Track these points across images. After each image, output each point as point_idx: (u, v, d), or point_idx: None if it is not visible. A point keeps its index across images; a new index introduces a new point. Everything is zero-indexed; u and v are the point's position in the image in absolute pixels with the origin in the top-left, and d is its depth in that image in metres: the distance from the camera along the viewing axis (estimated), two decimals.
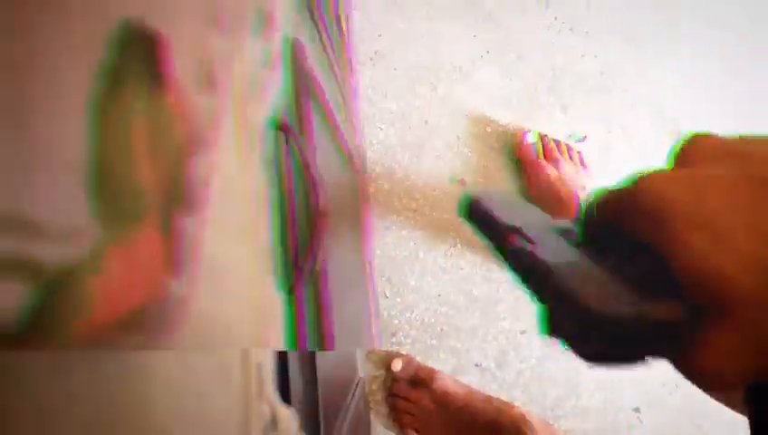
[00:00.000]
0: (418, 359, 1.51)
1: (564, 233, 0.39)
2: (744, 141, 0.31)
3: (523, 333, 1.56)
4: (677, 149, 0.34)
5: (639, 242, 0.33)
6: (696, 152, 0.33)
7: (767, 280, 0.27)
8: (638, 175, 0.33)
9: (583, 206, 0.38)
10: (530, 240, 0.39)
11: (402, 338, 1.53)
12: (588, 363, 0.34)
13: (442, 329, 1.54)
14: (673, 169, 0.32)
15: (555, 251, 0.38)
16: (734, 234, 0.28)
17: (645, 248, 0.32)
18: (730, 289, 0.28)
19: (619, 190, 0.34)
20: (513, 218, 0.42)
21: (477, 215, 0.46)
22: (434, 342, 1.53)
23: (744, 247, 0.27)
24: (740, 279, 0.27)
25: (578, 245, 0.38)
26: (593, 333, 0.33)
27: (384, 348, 1.52)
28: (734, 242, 0.27)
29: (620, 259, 0.35)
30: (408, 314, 1.54)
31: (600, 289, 0.34)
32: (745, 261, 0.27)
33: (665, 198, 0.30)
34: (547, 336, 0.37)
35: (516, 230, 0.40)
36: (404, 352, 1.51)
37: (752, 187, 0.28)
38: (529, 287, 0.38)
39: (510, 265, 0.41)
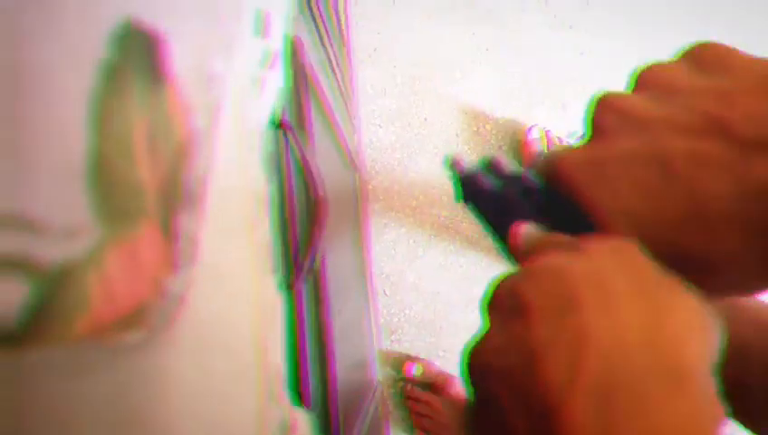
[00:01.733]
0: (436, 363, 1.51)
1: (529, 193, 0.41)
2: (652, 101, 0.33)
3: None
4: (590, 115, 0.36)
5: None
6: (607, 120, 0.34)
7: (682, 258, 0.31)
8: (558, 155, 0.36)
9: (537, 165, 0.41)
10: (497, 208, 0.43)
11: (401, 335, 1.53)
12: None
13: (441, 326, 1.54)
14: (585, 147, 0.35)
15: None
16: (642, 226, 0.31)
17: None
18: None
19: (545, 164, 0.37)
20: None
21: (470, 205, 0.49)
22: (432, 339, 1.53)
23: (653, 238, 0.31)
24: (663, 257, 0.31)
25: (540, 208, 0.40)
26: None
27: (402, 351, 1.53)
28: (646, 234, 0.31)
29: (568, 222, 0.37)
30: (407, 312, 1.54)
31: None
32: (657, 254, 0.31)
33: (577, 188, 0.34)
34: None
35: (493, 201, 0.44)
36: (422, 357, 1.51)
37: (657, 169, 0.31)
38: None
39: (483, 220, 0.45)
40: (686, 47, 0.35)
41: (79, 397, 0.23)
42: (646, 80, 0.35)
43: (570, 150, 0.36)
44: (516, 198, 0.43)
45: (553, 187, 0.37)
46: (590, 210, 0.34)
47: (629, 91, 0.36)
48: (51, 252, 0.15)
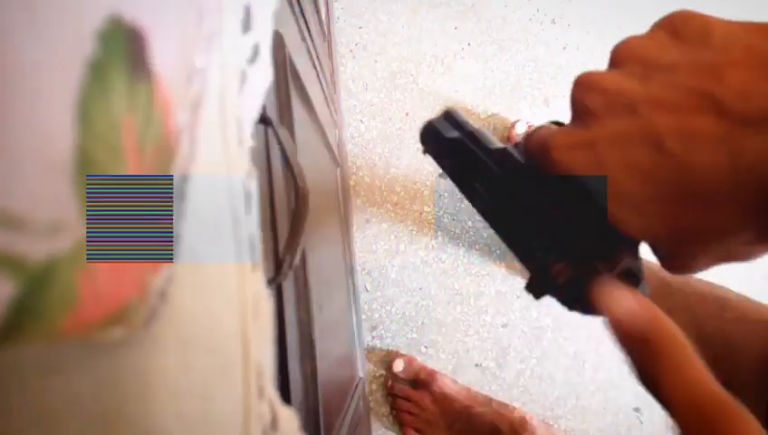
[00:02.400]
0: (418, 358, 1.52)
1: (506, 161, 0.41)
2: (635, 79, 0.33)
3: (504, 326, 1.56)
4: (572, 99, 0.36)
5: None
6: (593, 101, 0.34)
7: (675, 236, 0.32)
8: (550, 136, 0.36)
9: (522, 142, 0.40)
10: (486, 190, 0.42)
11: (383, 331, 1.53)
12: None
13: (423, 322, 1.55)
14: (576, 129, 0.35)
15: (509, 202, 0.40)
16: (641, 205, 0.32)
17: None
18: (656, 241, 0.34)
19: (537, 144, 0.37)
20: (464, 167, 0.44)
21: (430, 154, 0.49)
22: (415, 335, 1.54)
23: (654, 216, 0.32)
24: (659, 236, 0.33)
25: (524, 183, 0.40)
26: (567, 299, 0.37)
27: (384, 347, 1.53)
28: (646, 212, 0.32)
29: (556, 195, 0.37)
30: (388, 308, 1.54)
31: (559, 259, 0.37)
32: (660, 231, 0.32)
33: (572, 170, 0.34)
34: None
35: (477, 181, 0.43)
36: (405, 353, 1.52)
37: (649, 149, 0.31)
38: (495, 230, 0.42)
39: (474, 207, 0.44)
40: (660, 19, 0.35)
41: (62, 394, 0.23)
42: (625, 56, 0.35)
43: (560, 132, 0.36)
44: (475, 154, 0.43)
45: (543, 168, 0.37)
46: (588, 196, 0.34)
47: (610, 69, 0.36)
48: (36, 248, 0.15)
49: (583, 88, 0.35)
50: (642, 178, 0.31)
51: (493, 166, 0.42)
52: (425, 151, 0.50)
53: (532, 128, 1.56)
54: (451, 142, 0.45)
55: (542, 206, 0.38)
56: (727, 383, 0.31)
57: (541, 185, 0.38)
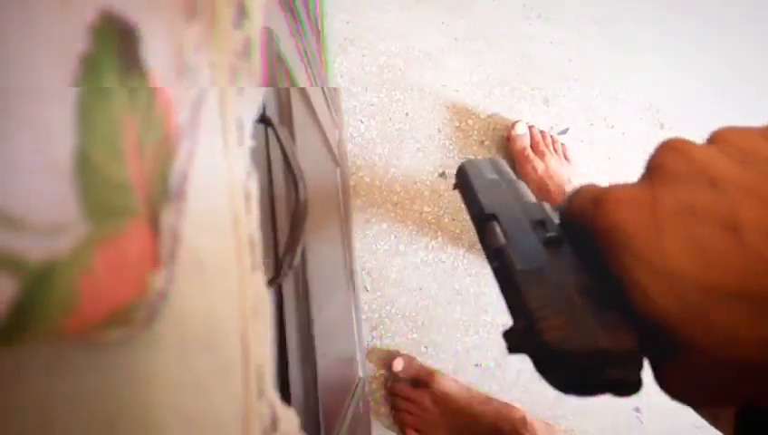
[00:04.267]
0: (418, 358, 1.51)
1: (540, 224, 0.38)
2: (729, 160, 0.29)
3: (504, 326, 1.56)
4: (651, 158, 0.32)
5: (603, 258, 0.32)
6: (672, 163, 0.30)
7: (716, 335, 0.27)
8: (606, 189, 0.32)
9: (564, 199, 0.37)
10: (505, 234, 0.39)
11: (383, 331, 1.53)
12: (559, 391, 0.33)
13: (423, 322, 1.54)
14: (640, 186, 0.31)
15: (525, 253, 0.37)
16: (686, 288, 0.27)
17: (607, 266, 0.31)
18: (682, 335, 0.28)
19: (587, 197, 0.33)
20: (493, 203, 0.42)
21: (462, 189, 0.47)
22: (415, 335, 1.54)
23: (693, 300, 0.27)
24: (692, 330, 0.27)
25: (550, 242, 0.37)
26: (548, 363, 0.33)
27: (384, 347, 1.53)
28: (685, 292, 0.27)
29: (586, 267, 0.34)
30: (388, 308, 1.54)
31: (556, 316, 0.33)
32: (694, 315, 0.27)
33: (621, 227, 0.30)
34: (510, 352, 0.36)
35: (493, 218, 0.40)
36: (405, 352, 1.52)
37: (725, 233, 0.27)
38: (496, 278, 0.38)
39: (484, 250, 0.41)
40: None
41: (63, 394, 0.23)
42: (724, 137, 0.31)
43: (619, 186, 0.32)
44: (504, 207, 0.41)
45: (587, 221, 0.33)
46: (624, 258, 0.30)
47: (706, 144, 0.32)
48: (36, 249, 0.15)
49: (667, 148, 0.31)
50: (703, 260, 0.27)
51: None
52: (455, 187, 0.48)
53: (533, 129, 1.56)
54: (489, 183, 0.44)
55: (564, 272, 0.35)
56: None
57: (572, 250, 0.36)
